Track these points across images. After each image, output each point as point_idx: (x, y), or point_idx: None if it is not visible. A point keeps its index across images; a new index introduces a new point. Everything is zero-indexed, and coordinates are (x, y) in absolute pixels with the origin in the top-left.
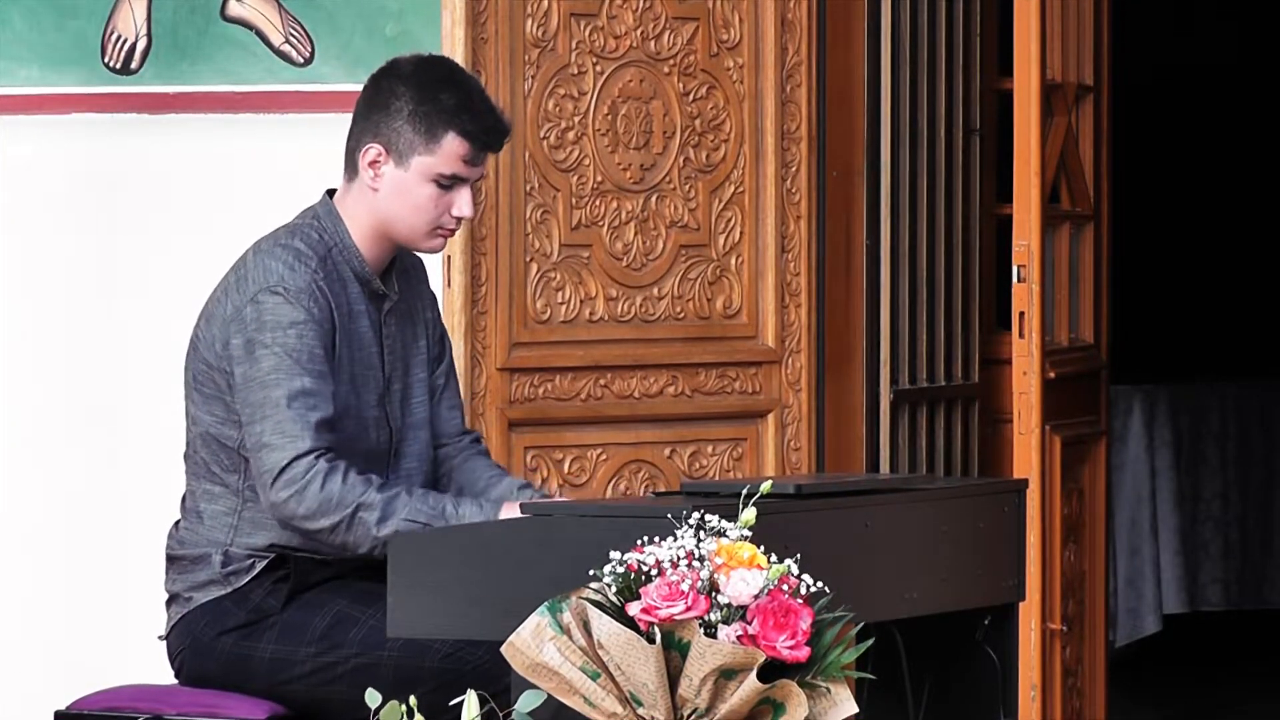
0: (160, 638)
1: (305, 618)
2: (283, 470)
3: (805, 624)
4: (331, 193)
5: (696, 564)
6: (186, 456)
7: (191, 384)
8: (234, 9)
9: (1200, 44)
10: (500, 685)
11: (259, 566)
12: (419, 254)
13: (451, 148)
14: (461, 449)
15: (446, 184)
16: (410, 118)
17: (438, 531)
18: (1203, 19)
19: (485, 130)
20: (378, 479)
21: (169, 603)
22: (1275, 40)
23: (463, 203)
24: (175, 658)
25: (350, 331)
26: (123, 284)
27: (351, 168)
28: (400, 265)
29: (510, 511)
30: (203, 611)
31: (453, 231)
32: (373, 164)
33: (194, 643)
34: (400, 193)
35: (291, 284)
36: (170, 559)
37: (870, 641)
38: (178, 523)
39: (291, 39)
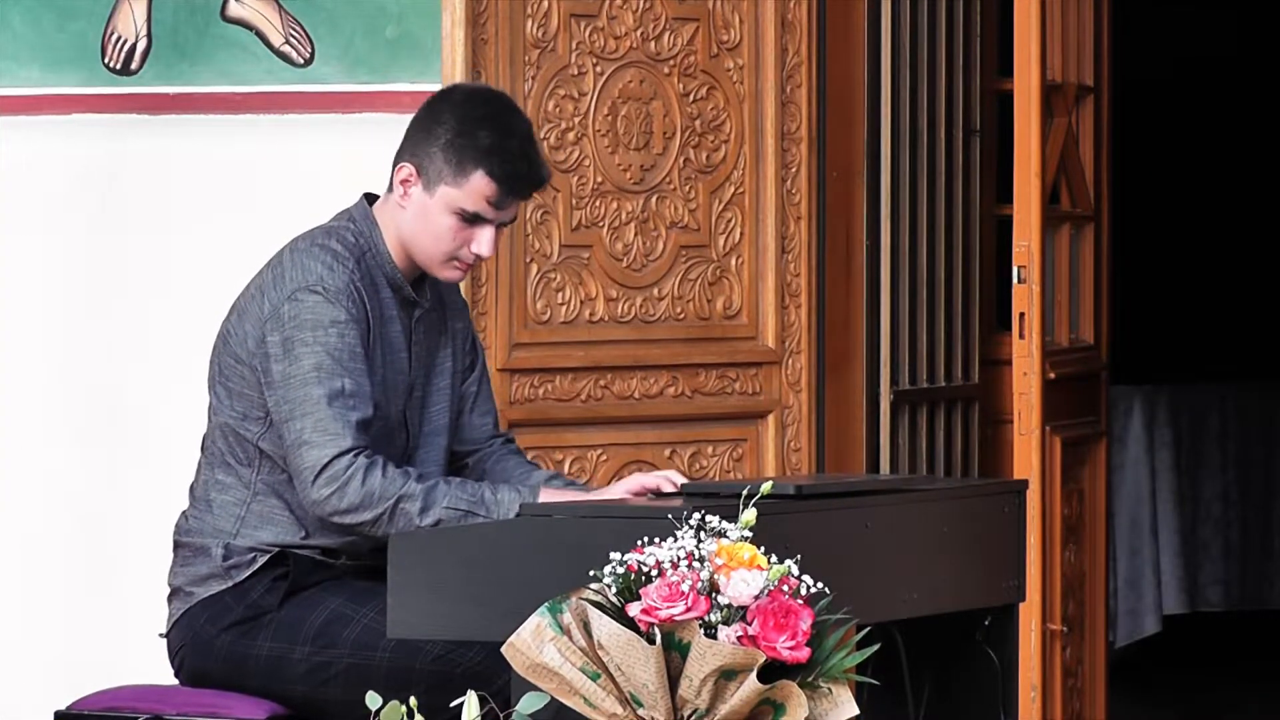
0: (161, 635)
1: (301, 616)
2: (324, 468)
3: (805, 625)
4: (370, 196)
5: (697, 565)
6: (203, 445)
7: (217, 377)
8: (234, 10)
9: (1200, 44)
10: (493, 687)
11: (260, 561)
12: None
13: (477, 185)
14: (494, 451)
15: (469, 219)
16: (445, 147)
17: (438, 532)
18: (1203, 18)
19: (513, 176)
20: (415, 471)
21: (170, 597)
22: (1276, 40)
23: (482, 241)
24: (175, 655)
25: (382, 335)
26: (123, 284)
27: (389, 180)
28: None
29: (549, 496)
30: (203, 607)
31: (470, 266)
32: (403, 182)
33: (194, 639)
34: (423, 217)
35: (331, 284)
36: (175, 545)
37: (876, 647)
38: (185, 512)
39: (291, 40)
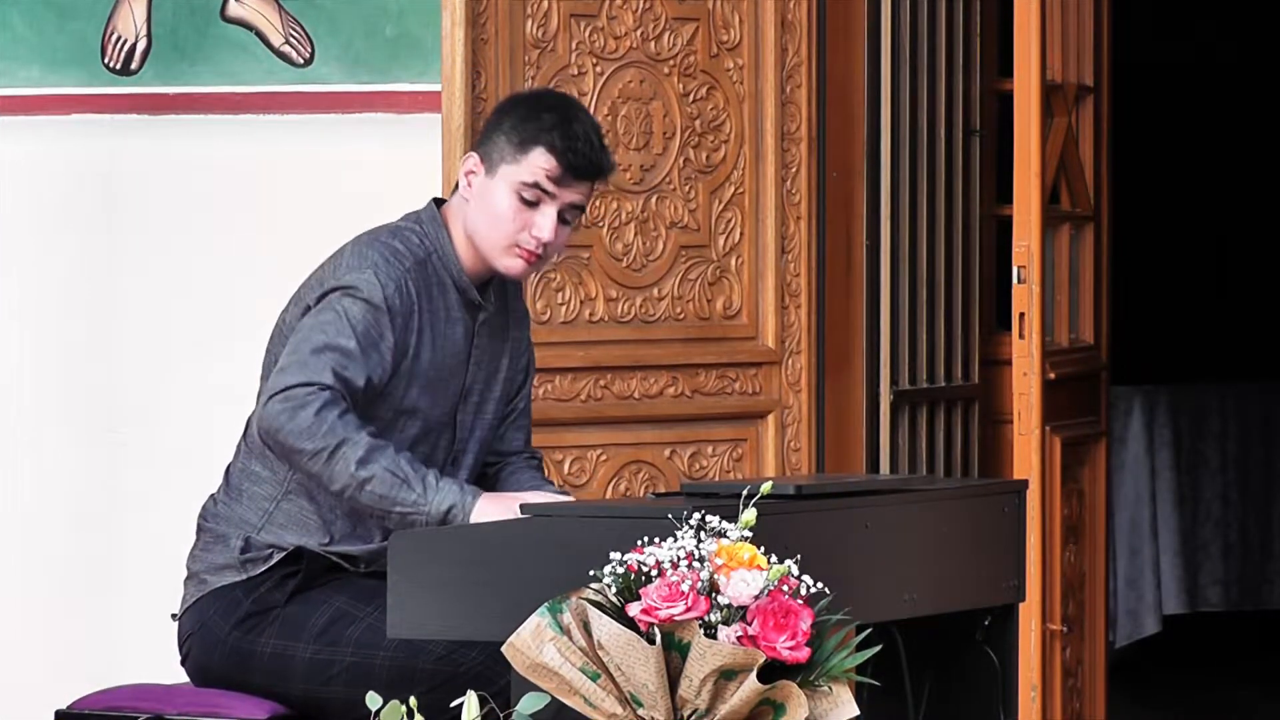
0: (173, 616)
1: (305, 614)
2: (287, 389)
3: (805, 625)
4: (439, 201)
5: (696, 565)
6: (245, 429)
7: (272, 366)
8: (234, 10)
9: (1200, 43)
10: (494, 687)
11: (276, 558)
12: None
13: (536, 160)
14: (514, 463)
15: (530, 199)
16: (509, 130)
17: (438, 531)
18: (1203, 18)
19: (573, 152)
20: (372, 427)
21: (186, 580)
22: (1275, 40)
23: (543, 224)
24: (184, 643)
25: (441, 336)
26: (122, 284)
27: (458, 180)
28: (498, 279)
29: (487, 505)
30: (215, 597)
31: (533, 255)
32: (468, 173)
33: (202, 630)
34: (484, 201)
35: (383, 273)
36: (199, 527)
37: (879, 647)
38: (214, 494)
39: (291, 40)
